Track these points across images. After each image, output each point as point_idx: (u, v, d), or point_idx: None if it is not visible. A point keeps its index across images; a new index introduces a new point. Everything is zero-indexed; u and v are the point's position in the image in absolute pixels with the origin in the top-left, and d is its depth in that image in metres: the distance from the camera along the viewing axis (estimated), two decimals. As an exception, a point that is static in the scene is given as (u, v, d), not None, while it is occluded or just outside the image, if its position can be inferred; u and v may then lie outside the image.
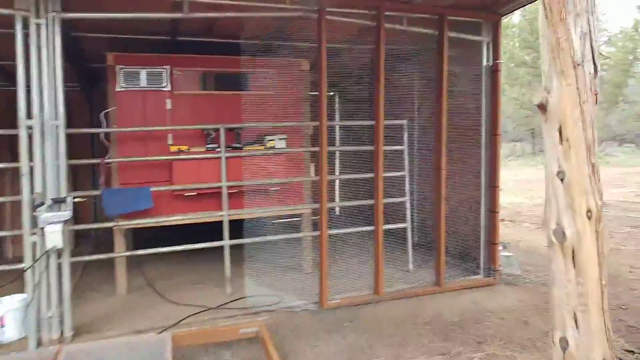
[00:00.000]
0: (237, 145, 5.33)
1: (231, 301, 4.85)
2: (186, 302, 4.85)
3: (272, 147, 5.41)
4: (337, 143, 8.10)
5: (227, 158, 5.11)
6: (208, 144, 5.28)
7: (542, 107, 1.93)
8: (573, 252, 1.92)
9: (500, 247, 5.51)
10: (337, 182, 8.19)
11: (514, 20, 32.31)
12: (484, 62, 5.30)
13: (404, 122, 5.71)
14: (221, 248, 5.05)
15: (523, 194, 14.14)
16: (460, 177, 5.67)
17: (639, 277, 5.76)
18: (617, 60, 44.89)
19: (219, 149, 5.14)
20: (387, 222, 5.52)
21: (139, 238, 6.09)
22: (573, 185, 1.90)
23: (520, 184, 16.70)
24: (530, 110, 31.72)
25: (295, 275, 5.52)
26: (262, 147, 5.40)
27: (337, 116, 8.73)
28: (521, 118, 32.87)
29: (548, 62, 1.90)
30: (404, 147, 5.72)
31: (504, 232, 8.11)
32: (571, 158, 1.89)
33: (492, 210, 5.35)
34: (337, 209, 7.22)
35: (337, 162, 8.26)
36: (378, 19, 4.70)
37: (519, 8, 5.14)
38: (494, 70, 5.26)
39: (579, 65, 1.83)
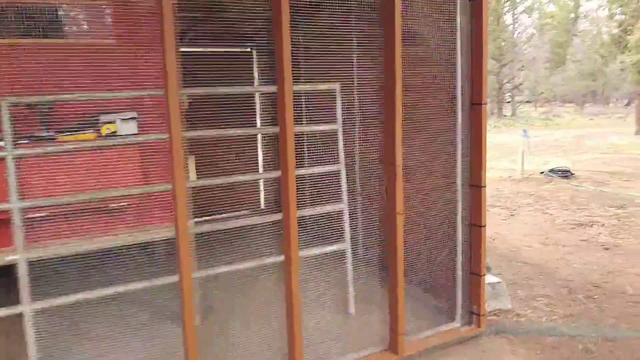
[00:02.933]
0: (44, 135, 3.06)
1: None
2: None
3: (112, 134, 3.19)
4: (259, 122, 5.89)
5: (18, 158, 2.85)
6: (-14, 132, 2.98)
7: None
8: None
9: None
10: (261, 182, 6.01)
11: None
12: (458, -9, 3.23)
13: (336, 86, 3.60)
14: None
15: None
16: (425, 172, 3.67)
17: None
18: (559, 20, 44.59)
19: (1, 143, 2.86)
20: (317, 242, 3.53)
21: None
22: None
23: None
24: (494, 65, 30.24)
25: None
26: (94, 135, 3.16)
27: (256, 84, 6.51)
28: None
29: None
30: (337, 126, 3.64)
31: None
32: None
33: (475, 223, 3.40)
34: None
35: (259, 152, 6.05)
36: None
37: None
38: (476, 1, 3.22)
39: None
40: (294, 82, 2.80)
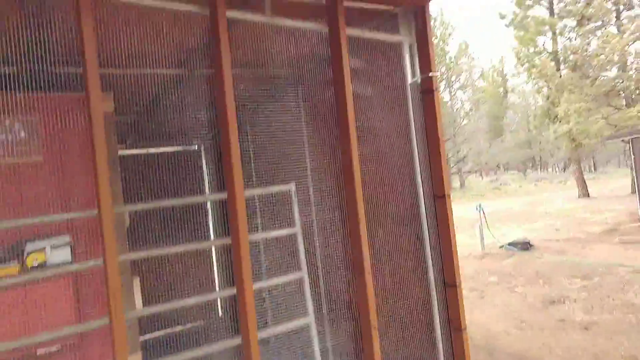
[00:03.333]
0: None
1: None
2: None
3: (41, 265, 2.77)
4: (212, 235, 5.44)
5: None
6: None
7: None
8: None
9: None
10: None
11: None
12: (408, 78, 3.19)
13: (291, 186, 3.38)
14: None
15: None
16: (393, 271, 3.41)
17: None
18: (490, 94, 47.98)
19: None
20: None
21: None
22: None
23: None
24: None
25: None
26: (18, 269, 2.74)
27: (207, 188, 6.14)
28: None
29: None
30: (296, 230, 3.37)
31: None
32: None
33: (455, 326, 3.12)
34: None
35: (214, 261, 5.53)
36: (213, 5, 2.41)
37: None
38: (426, 91, 3.17)
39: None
40: (245, 183, 2.57)
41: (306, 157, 3.69)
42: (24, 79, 2.72)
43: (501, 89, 49.21)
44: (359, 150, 2.90)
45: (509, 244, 10.23)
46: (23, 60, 2.70)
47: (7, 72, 2.73)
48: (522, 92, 45.89)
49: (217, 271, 4.87)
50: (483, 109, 45.37)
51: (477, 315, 6.17)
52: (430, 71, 3.07)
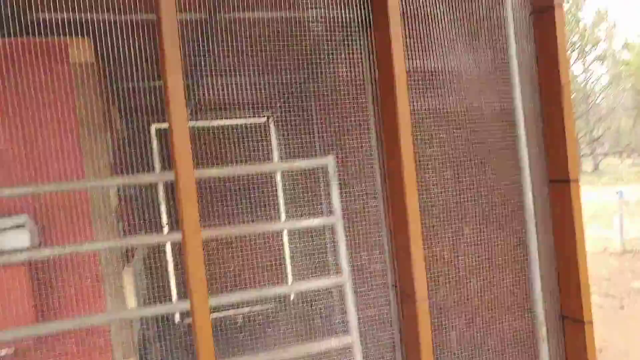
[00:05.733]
0: None
1: None
2: None
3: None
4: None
5: None
6: None
7: None
8: None
9: None
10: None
11: None
12: (509, 7, 1.99)
13: (329, 159, 2.38)
14: None
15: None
16: (483, 296, 2.28)
17: None
18: (637, 66, 41.50)
19: None
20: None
21: None
22: None
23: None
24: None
25: None
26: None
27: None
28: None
29: None
30: (335, 219, 2.37)
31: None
32: None
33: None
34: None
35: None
36: None
37: None
38: (540, 9, 1.96)
39: None
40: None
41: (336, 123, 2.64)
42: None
43: (649, 62, 42.35)
44: (422, 105, 1.83)
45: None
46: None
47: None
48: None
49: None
50: (625, 84, 39.36)
51: (615, 333, 4.71)
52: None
